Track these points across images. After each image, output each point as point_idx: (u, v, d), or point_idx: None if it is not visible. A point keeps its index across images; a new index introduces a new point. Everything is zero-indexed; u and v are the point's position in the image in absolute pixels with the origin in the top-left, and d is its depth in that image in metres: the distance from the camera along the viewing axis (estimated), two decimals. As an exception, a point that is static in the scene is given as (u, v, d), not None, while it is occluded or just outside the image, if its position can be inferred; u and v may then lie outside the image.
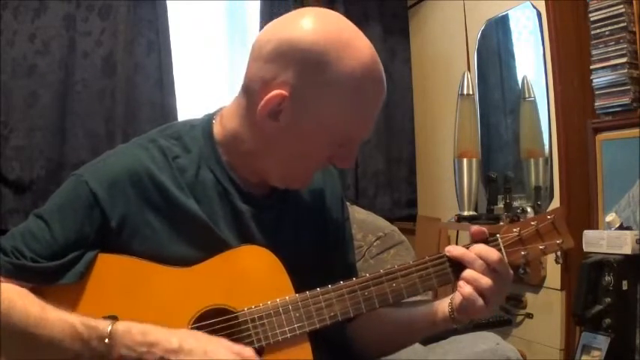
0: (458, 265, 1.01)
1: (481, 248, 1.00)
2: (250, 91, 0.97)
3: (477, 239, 1.03)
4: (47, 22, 2.44)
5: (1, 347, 0.83)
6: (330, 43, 0.91)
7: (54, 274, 0.91)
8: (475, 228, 1.04)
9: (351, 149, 1.00)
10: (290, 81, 0.92)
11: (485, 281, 0.97)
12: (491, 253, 0.99)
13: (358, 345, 1.13)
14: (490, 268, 0.98)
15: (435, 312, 1.06)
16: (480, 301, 0.97)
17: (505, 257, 1.01)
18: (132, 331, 0.85)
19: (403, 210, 3.12)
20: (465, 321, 1.04)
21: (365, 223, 2.29)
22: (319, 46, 0.91)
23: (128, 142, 1.05)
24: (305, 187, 1.07)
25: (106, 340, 0.83)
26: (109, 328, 0.84)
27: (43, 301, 0.87)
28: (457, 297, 1.00)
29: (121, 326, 0.85)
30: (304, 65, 0.91)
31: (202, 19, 2.80)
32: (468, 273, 0.98)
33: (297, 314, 0.94)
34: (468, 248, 1.01)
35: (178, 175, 0.99)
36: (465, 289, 0.98)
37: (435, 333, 1.14)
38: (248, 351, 0.88)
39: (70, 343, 0.83)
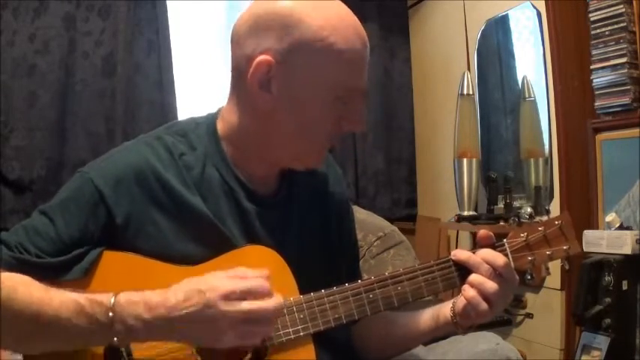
0: (464, 270, 1.01)
1: (487, 253, 1.00)
2: (239, 75, 0.98)
3: (483, 244, 1.03)
4: (47, 22, 2.44)
5: (6, 333, 0.82)
6: (298, 5, 0.94)
7: (59, 270, 0.91)
8: (482, 232, 1.04)
9: (355, 106, 0.98)
10: (271, 46, 0.94)
11: (490, 285, 0.97)
12: (498, 257, 0.99)
13: (361, 347, 1.14)
14: (496, 273, 0.98)
15: (437, 316, 1.07)
16: (484, 305, 0.97)
17: (512, 262, 1.01)
18: (133, 299, 0.84)
19: (403, 210, 3.12)
20: (467, 325, 1.03)
21: (365, 223, 2.29)
22: (289, 7, 0.94)
23: (133, 139, 1.05)
24: (321, 165, 1.06)
25: (110, 314, 0.82)
26: (112, 300, 0.83)
27: (47, 286, 0.86)
28: (460, 301, 1.00)
29: (123, 297, 0.84)
30: (280, 28, 0.93)
31: (202, 19, 2.80)
32: (473, 277, 0.98)
33: (302, 316, 0.94)
34: (474, 253, 1.01)
35: (185, 172, 0.99)
36: (469, 292, 0.98)
37: (437, 336, 1.14)
38: (241, 271, 0.87)
39: (76, 318, 0.82)
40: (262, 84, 0.95)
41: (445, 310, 1.05)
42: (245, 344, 0.88)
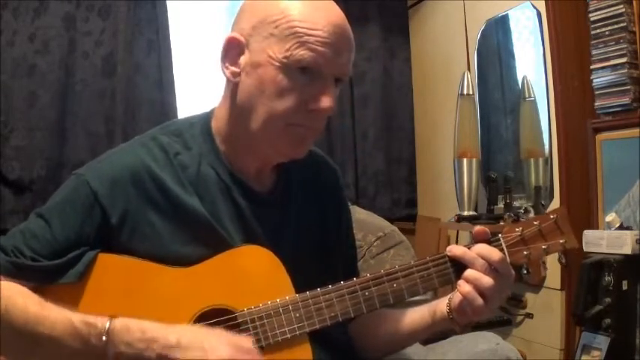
0: (459, 265, 1.01)
1: (482, 248, 1.00)
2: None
3: (479, 239, 1.03)
4: (47, 22, 2.44)
5: (2, 345, 0.83)
6: None
7: (54, 273, 0.91)
8: (477, 228, 1.04)
9: (319, 85, 0.96)
10: (242, 27, 0.98)
11: (486, 280, 0.97)
12: (493, 252, 0.99)
13: (358, 345, 1.14)
14: (491, 268, 0.98)
15: (434, 312, 1.07)
16: (480, 301, 0.97)
17: (507, 257, 1.01)
18: (130, 327, 0.84)
19: (403, 210, 3.12)
20: (463, 322, 1.03)
21: (365, 223, 2.29)
22: None
23: (129, 140, 1.05)
24: (301, 155, 1.03)
25: (104, 338, 0.83)
26: (107, 325, 0.84)
27: (43, 299, 0.86)
28: (456, 296, 1.00)
29: (119, 323, 0.84)
30: (250, 11, 0.99)
31: (202, 19, 2.80)
32: (468, 272, 0.98)
33: (298, 314, 0.94)
34: (469, 248, 1.01)
35: (180, 172, 0.99)
36: (464, 287, 0.98)
37: (434, 333, 1.14)
38: (246, 342, 0.88)
39: (69, 340, 0.83)
40: (232, 60, 0.98)
41: (441, 306, 1.05)
42: None
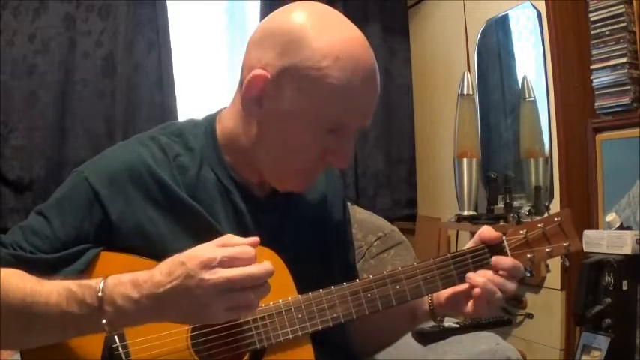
0: (462, 268, 1.01)
1: (501, 280, 1.00)
2: (241, 81, 0.98)
3: (491, 243, 1.04)
4: (47, 22, 2.44)
5: (4, 324, 0.81)
6: (310, 23, 0.92)
7: (53, 266, 0.90)
8: (487, 231, 1.04)
9: (342, 141, 0.95)
10: (271, 62, 0.92)
11: (498, 295, 0.99)
12: (510, 286, 1.00)
13: (356, 341, 1.14)
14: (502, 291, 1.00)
15: (414, 308, 1.09)
16: (498, 294, 0.99)
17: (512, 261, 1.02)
18: (122, 280, 0.82)
19: (403, 210, 3.12)
20: (442, 314, 1.07)
21: (365, 223, 2.29)
22: (299, 25, 0.92)
23: (127, 139, 1.04)
24: (302, 190, 1.04)
25: (100, 294, 0.80)
26: (102, 284, 0.81)
27: (40, 278, 0.85)
28: (443, 292, 1.03)
29: (112, 279, 0.82)
30: (284, 45, 0.91)
31: (202, 19, 2.80)
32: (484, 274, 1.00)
33: (300, 315, 0.94)
34: (474, 250, 1.03)
35: (177, 174, 0.98)
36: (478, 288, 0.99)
37: (434, 333, 1.15)
38: (226, 238, 0.83)
39: (67, 304, 0.81)
40: (254, 98, 0.94)
41: (423, 300, 1.07)
42: (235, 316, 0.86)
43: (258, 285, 0.81)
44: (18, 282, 0.83)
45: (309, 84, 0.91)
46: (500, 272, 1.00)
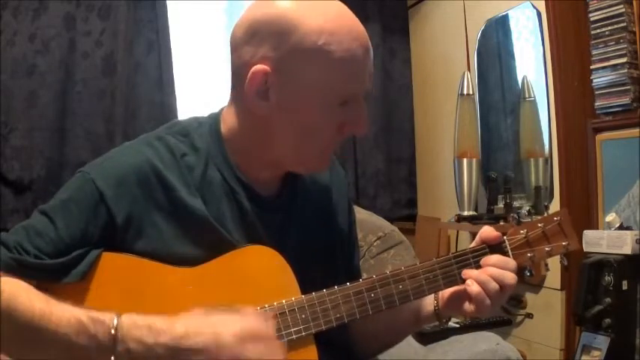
0: (464, 268, 1.02)
1: (496, 262, 1.01)
2: (237, 81, 0.98)
3: (491, 243, 1.04)
4: (47, 22, 2.44)
5: (6, 342, 0.81)
6: (294, 7, 0.93)
7: (57, 272, 0.90)
8: (488, 231, 1.05)
9: (357, 109, 0.96)
10: (268, 54, 0.92)
11: (493, 286, 0.99)
12: (507, 278, 1.00)
13: (356, 342, 1.14)
14: (500, 285, 1.00)
15: (419, 309, 1.09)
16: (488, 301, 0.99)
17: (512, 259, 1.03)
18: (137, 322, 0.83)
19: (403, 210, 3.12)
20: (448, 315, 1.08)
21: (365, 223, 2.29)
22: (285, 11, 0.92)
23: (134, 139, 1.04)
24: (326, 168, 1.05)
25: (112, 332, 0.81)
26: (115, 322, 0.82)
27: (47, 296, 0.85)
28: (449, 294, 1.04)
29: (126, 319, 0.83)
30: (276, 35, 0.92)
31: (202, 19, 2.80)
32: (479, 273, 1.01)
33: (303, 315, 0.94)
34: (476, 250, 1.03)
35: (186, 173, 0.98)
36: (474, 287, 0.99)
37: (434, 333, 1.15)
38: (257, 323, 0.86)
39: (75, 336, 0.81)
40: (259, 93, 0.94)
41: (427, 302, 1.08)
42: None
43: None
44: (26, 301, 0.82)
45: (312, 64, 0.92)
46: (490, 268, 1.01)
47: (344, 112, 0.96)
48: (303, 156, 0.99)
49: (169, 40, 2.62)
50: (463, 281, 1.01)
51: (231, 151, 1.02)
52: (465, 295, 1.01)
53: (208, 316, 0.85)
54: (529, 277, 1.06)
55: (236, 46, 0.97)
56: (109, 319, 0.82)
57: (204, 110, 1.09)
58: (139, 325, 0.82)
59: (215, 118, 1.05)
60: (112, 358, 0.81)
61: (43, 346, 0.82)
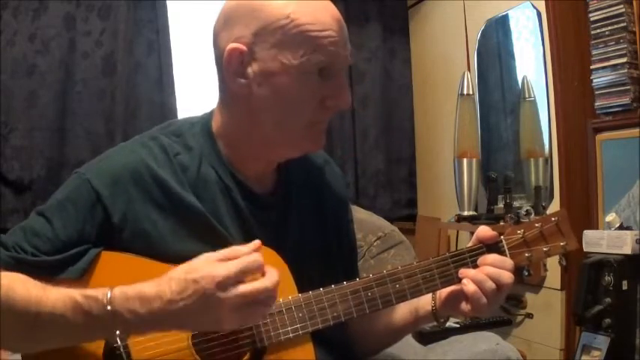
0: (461, 267, 1.02)
1: (494, 262, 1.01)
2: (220, 71, 0.99)
3: (487, 242, 1.04)
4: (47, 22, 2.44)
5: (6, 333, 0.82)
6: None
7: (55, 268, 0.91)
8: (485, 231, 1.05)
9: (336, 81, 0.97)
10: (240, 34, 0.95)
11: (490, 285, 0.99)
12: (503, 277, 1.00)
13: (354, 341, 1.14)
14: (497, 284, 0.99)
15: (416, 310, 1.09)
16: (484, 300, 0.99)
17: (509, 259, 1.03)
18: (128, 294, 0.83)
19: (403, 210, 3.12)
20: (446, 315, 1.07)
21: (365, 223, 2.30)
22: None
23: (129, 140, 1.05)
24: (319, 147, 1.04)
25: (108, 307, 0.81)
26: (109, 295, 0.82)
27: (44, 284, 0.85)
28: (447, 293, 1.04)
29: (118, 292, 0.83)
30: (246, 14, 0.95)
31: (202, 19, 2.80)
32: (475, 273, 1.01)
33: (300, 314, 0.94)
34: (473, 249, 1.03)
35: (180, 172, 0.99)
36: (470, 286, 0.99)
37: (434, 333, 1.15)
38: (232, 251, 0.86)
39: (72, 315, 0.82)
40: (237, 72, 0.96)
41: (424, 302, 1.08)
42: (247, 324, 0.89)
43: (269, 296, 0.84)
44: (22, 289, 0.83)
45: (282, 35, 0.93)
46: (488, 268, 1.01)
47: (324, 85, 0.96)
48: (288, 132, 0.98)
49: (169, 40, 2.63)
50: (460, 281, 1.01)
51: (224, 147, 1.02)
52: (462, 295, 1.01)
53: (191, 269, 0.84)
54: (528, 278, 1.06)
55: (214, 38, 0.99)
56: (102, 294, 0.83)
57: (204, 111, 1.09)
58: (131, 297, 0.83)
59: (207, 118, 1.05)
60: (117, 332, 0.82)
61: (42, 331, 0.83)
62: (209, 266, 0.83)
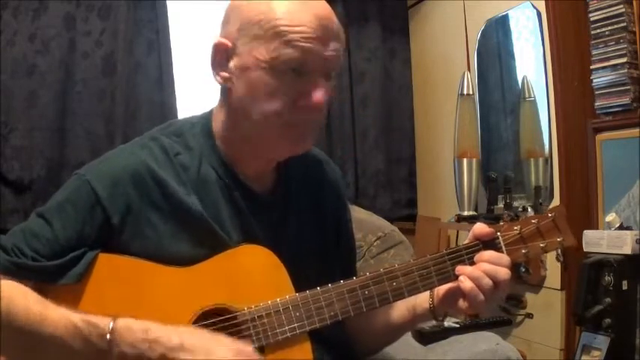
0: (458, 264, 1.02)
1: (490, 258, 1.01)
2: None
3: (484, 239, 1.04)
4: (47, 22, 2.44)
5: (4, 345, 0.82)
6: None
7: (54, 274, 0.91)
8: (481, 227, 1.05)
9: (312, 81, 0.95)
10: (228, 31, 0.98)
11: (486, 282, 0.99)
12: (500, 273, 0.99)
13: (353, 340, 1.14)
14: (494, 281, 0.99)
15: (414, 307, 1.09)
16: (481, 297, 0.98)
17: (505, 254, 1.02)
18: (133, 327, 0.84)
19: (403, 210, 3.12)
20: (448, 313, 1.07)
21: (365, 223, 2.30)
22: None
23: (129, 142, 1.05)
24: (299, 150, 1.02)
25: (108, 337, 0.82)
26: (110, 325, 0.83)
27: (45, 299, 0.86)
28: (445, 290, 1.04)
29: (122, 323, 0.84)
30: (233, 14, 0.98)
31: (202, 19, 2.80)
32: (471, 270, 1.01)
33: (298, 313, 0.94)
34: (469, 246, 1.03)
35: (181, 172, 0.99)
36: (466, 283, 0.99)
37: (434, 333, 1.15)
38: (249, 348, 0.88)
39: (71, 340, 0.82)
40: (221, 64, 0.98)
41: (422, 300, 1.08)
42: None
43: None
44: (22, 304, 0.84)
45: (258, 30, 0.94)
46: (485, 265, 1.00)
47: (300, 84, 0.95)
48: (266, 131, 0.97)
49: (169, 40, 2.63)
50: (457, 278, 1.01)
51: (223, 147, 1.03)
52: (459, 292, 1.01)
53: (205, 335, 0.87)
54: (526, 275, 1.06)
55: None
56: (104, 322, 0.84)
57: (204, 111, 1.10)
58: (134, 329, 0.84)
59: (207, 118, 1.06)
60: None
61: (39, 349, 0.84)
62: (226, 349, 0.86)
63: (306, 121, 0.98)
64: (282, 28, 0.92)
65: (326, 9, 0.97)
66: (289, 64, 0.93)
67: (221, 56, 0.98)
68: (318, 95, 0.95)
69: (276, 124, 0.96)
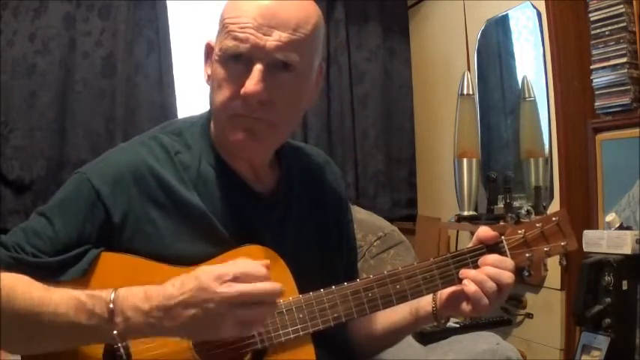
0: (462, 267, 1.02)
1: (494, 262, 1.01)
2: None
3: (488, 243, 1.04)
4: (47, 22, 2.44)
5: (7, 333, 0.82)
6: None
7: (55, 270, 0.91)
8: (485, 231, 1.05)
9: (247, 68, 0.93)
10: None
11: (490, 285, 0.99)
12: (504, 277, 0.99)
13: (355, 343, 1.14)
14: (498, 285, 0.99)
15: (417, 310, 1.09)
16: (485, 300, 0.99)
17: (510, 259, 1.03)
18: (133, 291, 0.84)
19: (403, 210, 3.12)
20: (452, 316, 1.07)
21: (365, 223, 2.30)
22: None
23: (129, 140, 1.05)
24: (244, 144, 0.97)
25: (110, 306, 0.82)
26: (112, 295, 0.83)
27: (47, 285, 0.85)
28: (447, 294, 1.04)
29: (123, 290, 0.84)
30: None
31: (202, 19, 2.80)
32: (475, 273, 1.01)
33: (301, 315, 0.94)
34: (473, 250, 1.03)
35: (182, 170, 0.99)
36: (471, 287, 0.99)
37: (434, 333, 1.15)
38: (240, 261, 0.86)
39: (75, 314, 0.82)
40: (206, 61, 1.01)
41: (424, 303, 1.08)
42: (244, 333, 0.87)
43: (269, 302, 0.84)
44: (24, 290, 0.83)
45: (219, 26, 0.97)
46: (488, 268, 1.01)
47: (242, 74, 0.93)
48: (220, 122, 0.99)
49: (169, 40, 2.63)
50: (461, 281, 1.01)
51: (219, 146, 1.03)
52: (462, 295, 1.01)
53: (194, 272, 0.84)
54: (528, 277, 1.06)
55: None
56: (106, 293, 0.83)
57: (204, 110, 1.10)
58: (135, 294, 0.83)
59: (205, 117, 1.06)
60: (115, 332, 0.81)
61: (43, 332, 0.83)
62: (211, 267, 0.84)
63: (249, 115, 0.94)
64: (226, 21, 0.95)
65: (280, 8, 0.93)
66: (228, 52, 0.94)
67: (206, 56, 1.01)
68: (252, 83, 0.91)
69: (224, 115, 0.97)
